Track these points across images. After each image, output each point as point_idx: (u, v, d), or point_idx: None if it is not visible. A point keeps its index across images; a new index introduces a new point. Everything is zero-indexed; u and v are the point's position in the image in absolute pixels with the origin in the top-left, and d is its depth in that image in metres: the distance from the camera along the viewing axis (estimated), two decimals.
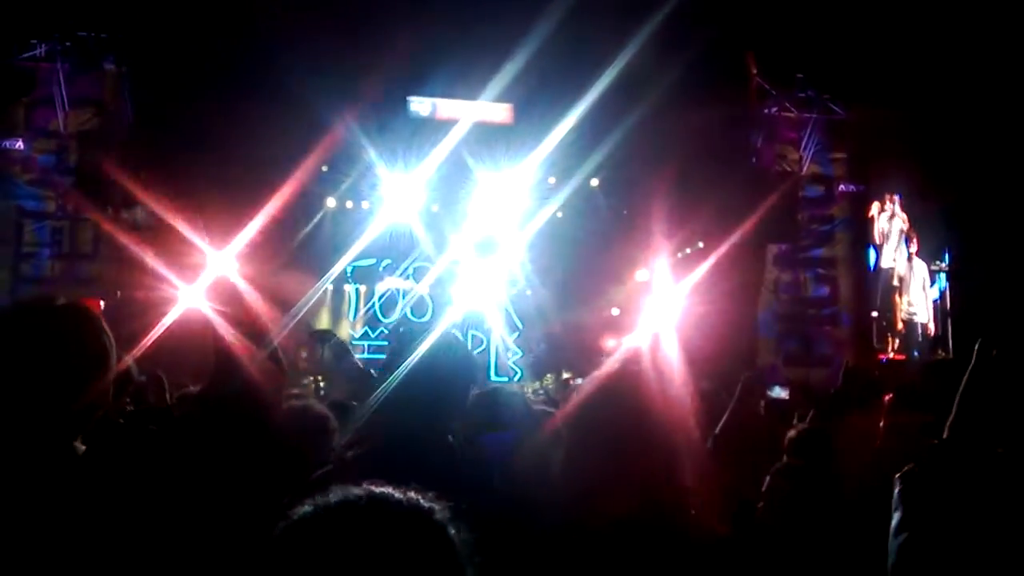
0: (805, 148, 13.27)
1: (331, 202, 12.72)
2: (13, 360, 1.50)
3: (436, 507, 1.03)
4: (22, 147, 11.08)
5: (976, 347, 1.71)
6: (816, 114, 13.21)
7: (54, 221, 11.18)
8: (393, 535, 0.98)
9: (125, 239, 10.47)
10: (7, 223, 10.99)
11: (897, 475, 1.68)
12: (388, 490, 1.03)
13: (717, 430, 3.55)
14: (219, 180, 10.44)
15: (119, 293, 10.88)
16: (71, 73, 11.15)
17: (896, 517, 1.63)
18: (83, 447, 1.59)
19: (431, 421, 2.05)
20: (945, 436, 1.69)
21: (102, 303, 9.99)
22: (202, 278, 1.90)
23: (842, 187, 13.39)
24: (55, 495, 1.44)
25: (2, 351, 1.52)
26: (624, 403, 1.84)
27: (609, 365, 2.03)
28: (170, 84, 11.00)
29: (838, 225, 13.30)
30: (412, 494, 1.03)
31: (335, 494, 1.02)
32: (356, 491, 1.02)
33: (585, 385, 1.99)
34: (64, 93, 11.11)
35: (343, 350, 4.66)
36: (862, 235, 12.80)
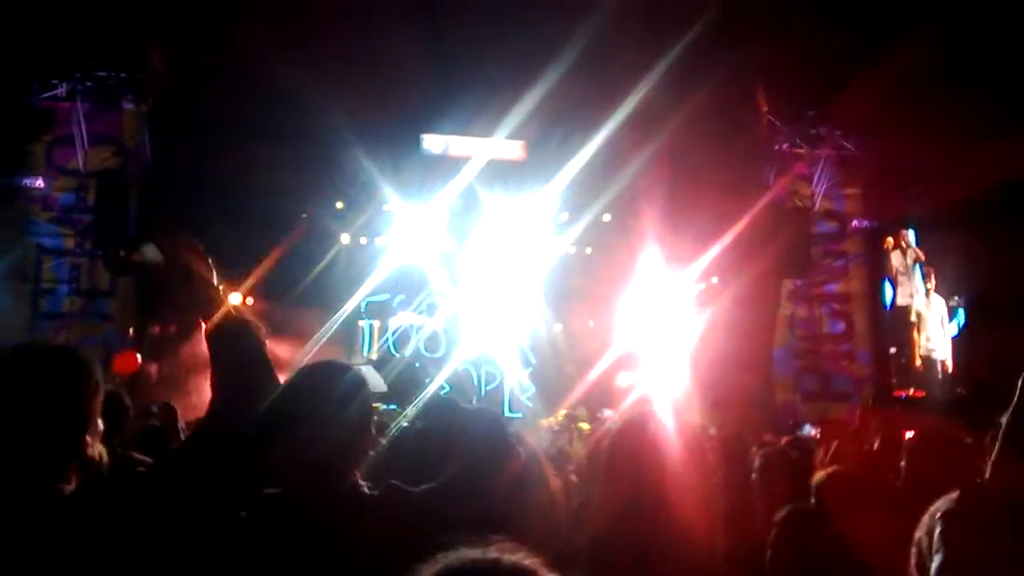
0: (817, 184, 13.27)
1: (345, 238, 12.79)
2: None
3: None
4: (42, 185, 11.21)
5: (1021, 383, 1.59)
6: (828, 150, 13.23)
7: (73, 258, 11.26)
8: None
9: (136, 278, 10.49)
10: (27, 260, 11.07)
11: (938, 515, 1.59)
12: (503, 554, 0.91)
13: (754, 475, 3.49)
14: (235, 218, 10.51)
15: (131, 330, 10.91)
16: (90, 112, 11.31)
17: (937, 560, 1.53)
18: (70, 488, 1.59)
19: None
20: (987, 475, 1.60)
21: (139, 356, 10.02)
22: (215, 316, 1.89)
23: (855, 223, 13.38)
24: (30, 533, 1.46)
25: None
26: (636, 451, 1.85)
27: (622, 413, 2.05)
28: (188, 122, 11.14)
29: (852, 260, 13.27)
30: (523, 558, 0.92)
31: (447, 561, 0.90)
32: (471, 555, 0.91)
33: (603, 434, 2.02)
34: (84, 132, 11.25)
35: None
36: (877, 271, 12.72)
